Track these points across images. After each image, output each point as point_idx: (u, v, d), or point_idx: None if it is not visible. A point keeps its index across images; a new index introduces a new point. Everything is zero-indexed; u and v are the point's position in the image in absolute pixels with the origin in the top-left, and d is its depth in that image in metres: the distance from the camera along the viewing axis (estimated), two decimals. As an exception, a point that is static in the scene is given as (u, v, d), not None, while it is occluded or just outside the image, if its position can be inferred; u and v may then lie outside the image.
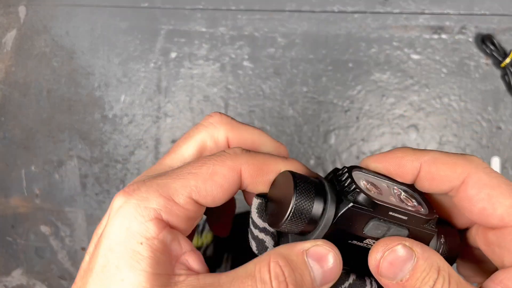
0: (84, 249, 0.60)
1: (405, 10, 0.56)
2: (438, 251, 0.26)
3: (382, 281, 0.23)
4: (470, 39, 0.55)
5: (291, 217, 0.23)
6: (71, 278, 0.60)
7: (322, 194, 0.23)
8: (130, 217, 0.23)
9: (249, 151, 0.25)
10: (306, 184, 0.23)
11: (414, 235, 0.24)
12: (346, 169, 0.24)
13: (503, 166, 0.54)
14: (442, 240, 0.27)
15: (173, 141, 0.58)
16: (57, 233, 0.60)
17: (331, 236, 0.23)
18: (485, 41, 0.53)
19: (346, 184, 0.23)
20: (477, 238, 0.27)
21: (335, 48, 0.56)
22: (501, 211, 0.23)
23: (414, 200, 0.25)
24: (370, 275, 0.26)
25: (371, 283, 0.26)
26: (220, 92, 0.58)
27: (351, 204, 0.23)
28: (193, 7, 0.58)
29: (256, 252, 0.25)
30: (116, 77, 0.59)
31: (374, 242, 0.24)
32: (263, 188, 0.25)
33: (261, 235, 0.25)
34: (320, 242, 0.23)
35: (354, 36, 0.56)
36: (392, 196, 0.24)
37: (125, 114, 0.59)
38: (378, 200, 0.23)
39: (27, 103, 0.61)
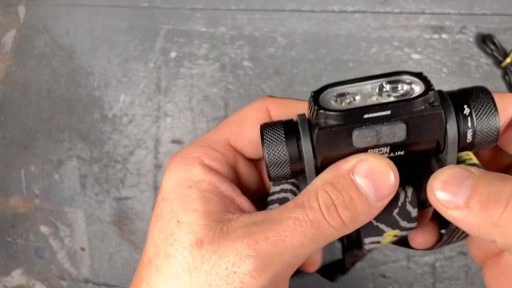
0: (83, 249, 0.60)
1: (405, 10, 0.55)
2: (467, 126, 0.22)
3: (445, 213, 0.21)
4: (471, 39, 0.55)
5: (270, 168, 0.23)
6: (71, 278, 0.60)
7: (294, 132, 0.23)
8: (178, 168, 0.24)
9: (276, 97, 0.27)
10: (274, 130, 0.23)
11: (415, 124, 0.21)
12: (312, 94, 0.22)
13: (503, 166, 0.54)
14: (467, 110, 0.22)
15: (173, 141, 0.58)
16: (57, 233, 0.60)
17: (327, 165, 0.22)
18: (485, 41, 0.53)
19: (312, 111, 0.22)
20: None
21: (335, 48, 0.56)
22: None
23: (405, 85, 0.22)
24: (403, 185, 0.24)
25: (404, 192, 0.24)
26: (220, 92, 0.58)
27: (317, 128, 0.21)
28: (193, 7, 0.58)
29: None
30: (116, 77, 0.59)
31: (381, 150, 0.22)
32: None
33: (281, 195, 0.25)
34: (365, 155, 0.21)
35: (354, 36, 0.56)
36: (372, 96, 0.22)
37: (124, 114, 0.59)
38: (343, 110, 0.21)
39: (26, 103, 0.61)
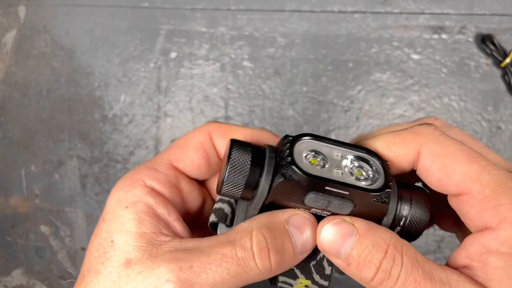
0: (84, 249, 0.60)
1: (405, 10, 0.56)
2: (398, 224, 0.25)
3: (332, 260, 0.24)
4: (470, 39, 0.55)
5: (224, 185, 0.24)
6: (71, 278, 0.60)
7: (259, 164, 0.24)
8: (120, 188, 0.26)
9: (220, 123, 0.28)
10: (242, 154, 0.24)
11: (361, 209, 0.23)
12: (290, 138, 0.24)
13: (503, 166, 0.54)
14: (405, 212, 0.25)
15: (173, 141, 0.58)
16: (57, 233, 0.60)
17: (272, 206, 0.24)
18: (485, 41, 0.53)
19: (283, 156, 0.23)
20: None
21: (335, 48, 0.56)
22: (456, 178, 0.23)
23: (370, 170, 0.24)
24: None
25: None
26: (220, 92, 0.58)
27: (282, 178, 0.23)
28: (193, 7, 0.58)
29: (215, 220, 0.27)
30: (116, 77, 0.59)
31: (325, 213, 0.24)
32: None
33: (218, 205, 0.27)
34: (300, 211, 0.24)
35: (354, 36, 0.56)
36: (339, 168, 0.24)
37: (125, 114, 0.59)
38: (311, 175, 0.22)
39: (27, 103, 0.61)
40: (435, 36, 0.55)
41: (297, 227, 0.23)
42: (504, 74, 0.54)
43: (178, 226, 0.25)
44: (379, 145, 0.25)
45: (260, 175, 0.24)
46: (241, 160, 0.24)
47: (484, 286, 0.22)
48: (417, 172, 0.25)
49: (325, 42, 0.56)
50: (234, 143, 0.25)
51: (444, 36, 0.55)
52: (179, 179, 0.27)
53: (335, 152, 0.24)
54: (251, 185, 0.24)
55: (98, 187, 0.59)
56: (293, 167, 0.22)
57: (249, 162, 0.24)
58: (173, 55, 0.58)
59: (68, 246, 0.60)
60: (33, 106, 0.61)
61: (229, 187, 0.24)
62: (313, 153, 0.24)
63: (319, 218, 0.25)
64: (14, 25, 0.62)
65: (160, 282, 0.22)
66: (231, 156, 0.24)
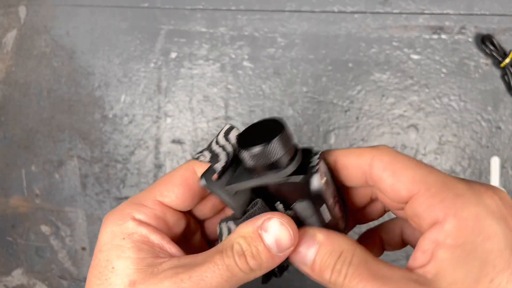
0: (84, 248, 0.60)
1: (405, 10, 0.56)
2: None
3: (301, 268, 0.27)
4: (470, 39, 0.55)
5: (262, 150, 0.25)
6: (71, 277, 0.60)
7: (296, 153, 0.26)
8: (112, 223, 0.28)
9: (200, 162, 0.30)
10: (288, 137, 0.26)
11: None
12: (320, 153, 0.27)
13: (502, 166, 0.54)
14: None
15: (173, 141, 0.58)
16: (57, 233, 0.60)
17: (271, 188, 0.27)
18: (484, 41, 0.53)
19: (314, 164, 0.26)
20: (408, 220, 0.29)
21: (335, 48, 0.56)
22: (406, 181, 0.26)
23: (341, 212, 0.28)
24: None
25: None
26: (220, 92, 0.58)
27: (303, 178, 0.25)
28: (193, 7, 0.58)
29: (207, 160, 0.29)
30: (116, 77, 0.59)
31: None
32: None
33: (218, 150, 0.29)
34: (270, 214, 0.26)
35: (354, 36, 0.56)
36: (332, 197, 0.27)
37: (125, 114, 0.59)
38: (322, 192, 0.26)
39: (27, 103, 0.61)
40: (435, 36, 0.55)
41: (270, 230, 0.26)
42: (504, 74, 0.54)
43: (172, 248, 0.28)
44: (339, 152, 0.29)
45: (290, 161, 0.26)
46: (290, 137, 0.26)
47: (430, 284, 0.24)
48: (374, 183, 0.28)
49: (325, 42, 0.56)
50: (286, 126, 0.26)
51: (443, 36, 0.55)
52: (165, 213, 0.29)
53: (332, 183, 0.28)
54: (276, 164, 0.25)
55: (98, 187, 0.59)
56: (318, 182, 0.25)
57: (289, 146, 0.26)
58: (173, 55, 0.58)
59: (69, 246, 0.60)
60: (33, 106, 0.61)
61: (260, 155, 0.25)
62: (324, 172, 0.27)
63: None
64: (14, 25, 0.62)
65: None
66: (286, 130, 0.26)
